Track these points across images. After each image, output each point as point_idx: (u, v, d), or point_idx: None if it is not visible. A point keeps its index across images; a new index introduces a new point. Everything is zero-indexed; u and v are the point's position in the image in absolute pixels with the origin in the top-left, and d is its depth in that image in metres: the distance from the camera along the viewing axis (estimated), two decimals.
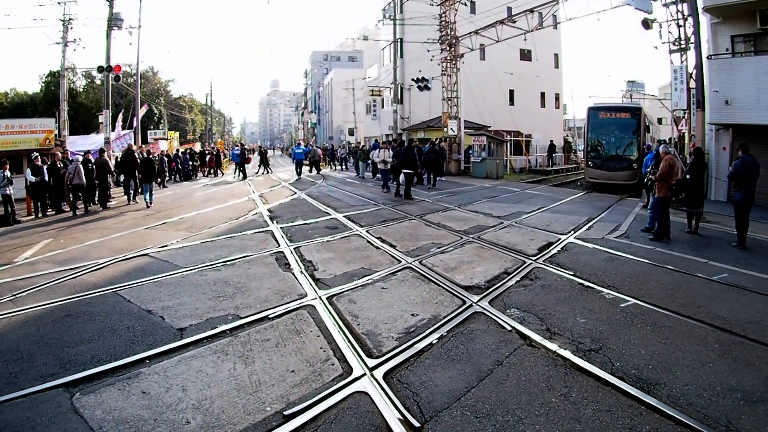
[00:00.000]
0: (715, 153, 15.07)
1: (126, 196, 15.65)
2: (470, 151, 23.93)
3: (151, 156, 17.09)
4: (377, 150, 17.94)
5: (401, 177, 14.80)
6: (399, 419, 3.19)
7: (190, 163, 26.86)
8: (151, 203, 14.03)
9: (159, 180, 19.93)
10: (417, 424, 3.14)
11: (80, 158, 14.47)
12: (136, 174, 14.73)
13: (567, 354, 4.15)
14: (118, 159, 16.83)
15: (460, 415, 3.27)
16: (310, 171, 26.68)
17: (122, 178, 16.02)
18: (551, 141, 33.01)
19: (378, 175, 22.33)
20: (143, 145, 22.43)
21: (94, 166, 14.59)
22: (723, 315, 5.09)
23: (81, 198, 14.10)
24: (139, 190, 15.00)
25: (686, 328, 4.76)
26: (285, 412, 3.27)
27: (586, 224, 10.32)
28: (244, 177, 24.31)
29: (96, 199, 14.95)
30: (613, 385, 3.64)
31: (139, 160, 14.70)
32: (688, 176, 9.48)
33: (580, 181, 23.25)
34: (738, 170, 8.54)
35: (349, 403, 3.41)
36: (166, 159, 23.14)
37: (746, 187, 8.50)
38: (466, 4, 24.28)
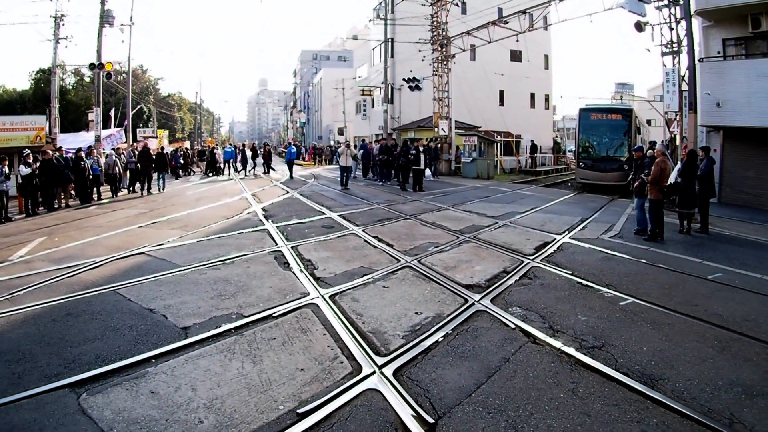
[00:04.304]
0: None
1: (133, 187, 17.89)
2: (461, 152, 24.06)
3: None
4: (339, 147, 21.12)
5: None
6: (413, 416, 3.21)
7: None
8: (164, 189, 17.85)
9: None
10: (431, 420, 3.16)
11: (113, 152, 17.35)
12: (152, 166, 17.74)
13: (571, 351, 4.21)
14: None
15: (473, 411, 3.30)
16: (207, 173, 25.96)
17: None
18: (532, 141, 33.26)
19: (369, 175, 22.54)
20: (135, 143, 22.23)
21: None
22: (720, 313, 5.20)
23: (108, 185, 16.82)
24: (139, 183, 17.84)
25: (685, 326, 4.85)
26: (298, 410, 3.27)
27: (580, 224, 10.44)
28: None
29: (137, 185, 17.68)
30: (618, 381, 3.71)
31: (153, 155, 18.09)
32: (679, 179, 9.58)
33: (570, 182, 23.49)
34: (711, 171, 10.40)
35: (361, 400, 3.42)
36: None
37: (711, 184, 10.55)
38: (457, 5, 24.36)
